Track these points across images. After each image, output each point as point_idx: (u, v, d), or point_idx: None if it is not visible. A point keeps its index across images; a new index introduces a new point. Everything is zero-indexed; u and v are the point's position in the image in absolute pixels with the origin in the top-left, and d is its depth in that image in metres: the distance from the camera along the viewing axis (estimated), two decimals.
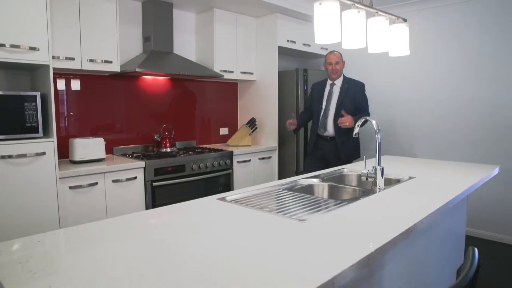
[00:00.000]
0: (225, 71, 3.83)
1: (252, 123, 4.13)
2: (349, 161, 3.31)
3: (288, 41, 4.10)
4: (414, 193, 1.83)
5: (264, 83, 4.15)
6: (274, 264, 0.99)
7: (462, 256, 2.82)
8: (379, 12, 1.81)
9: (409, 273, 1.84)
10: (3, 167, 2.28)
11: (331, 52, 3.43)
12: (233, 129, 4.40)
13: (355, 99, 3.33)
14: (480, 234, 3.75)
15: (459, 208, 2.61)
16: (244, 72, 4.07)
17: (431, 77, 3.96)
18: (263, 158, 3.93)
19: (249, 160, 3.78)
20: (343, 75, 3.42)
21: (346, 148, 3.32)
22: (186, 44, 3.90)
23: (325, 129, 3.36)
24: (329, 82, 3.44)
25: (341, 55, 3.39)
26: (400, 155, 4.10)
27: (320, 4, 1.55)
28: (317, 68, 4.68)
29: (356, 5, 1.65)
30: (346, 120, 3.12)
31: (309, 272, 0.94)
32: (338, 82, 3.40)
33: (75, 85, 3.18)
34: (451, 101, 3.84)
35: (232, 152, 3.59)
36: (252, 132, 4.12)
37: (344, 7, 1.72)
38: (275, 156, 4.07)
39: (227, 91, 4.39)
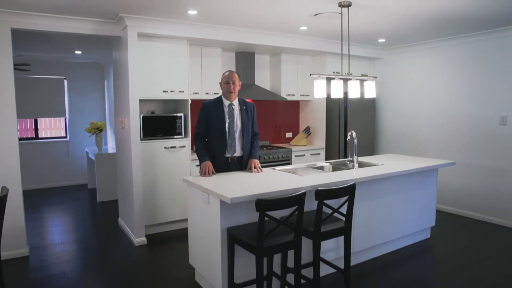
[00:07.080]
0: (289, 94, 5.70)
1: (307, 130, 5.95)
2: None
3: (333, 72, 5.82)
4: (370, 170, 3.52)
5: (317, 102, 5.93)
6: (285, 183, 2.86)
7: (433, 219, 4.32)
8: (355, 77, 3.53)
9: (379, 217, 3.52)
10: (166, 153, 4.45)
11: (230, 70, 3.42)
12: (295, 133, 6.26)
13: (253, 121, 3.52)
14: (451, 210, 5.10)
15: (429, 183, 4.09)
16: (302, 95, 5.89)
17: (437, 97, 5.39)
18: (313, 154, 5.72)
19: (304, 155, 5.60)
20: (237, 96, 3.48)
21: (246, 162, 3.48)
22: (263, 77, 5.86)
23: (234, 151, 3.39)
24: (226, 102, 3.40)
25: (239, 76, 3.34)
26: (414, 154, 5.57)
27: (315, 81, 3.40)
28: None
29: (339, 77, 3.43)
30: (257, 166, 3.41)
31: (292, 183, 2.78)
32: (236, 103, 3.42)
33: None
34: (449, 115, 5.24)
35: (291, 149, 5.44)
36: (307, 136, 5.93)
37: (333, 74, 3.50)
38: (322, 153, 5.82)
39: (291, 108, 6.26)
